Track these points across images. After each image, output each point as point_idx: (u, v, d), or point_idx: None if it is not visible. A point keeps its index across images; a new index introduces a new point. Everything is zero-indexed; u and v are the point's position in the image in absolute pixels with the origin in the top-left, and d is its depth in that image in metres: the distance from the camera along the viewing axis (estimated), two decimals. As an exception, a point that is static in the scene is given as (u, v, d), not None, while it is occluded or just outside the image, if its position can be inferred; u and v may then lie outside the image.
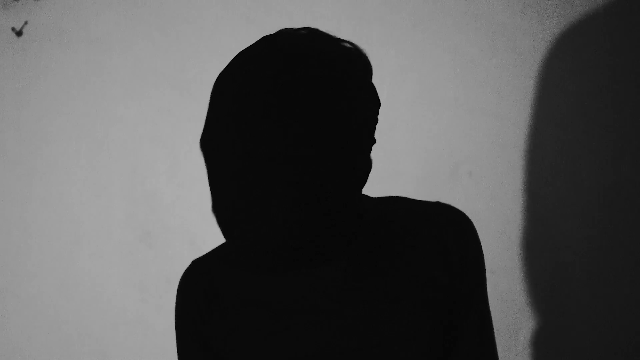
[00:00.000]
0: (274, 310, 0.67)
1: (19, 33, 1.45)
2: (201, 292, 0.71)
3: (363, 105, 0.64)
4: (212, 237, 1.52)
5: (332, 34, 0.68)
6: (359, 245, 0.69)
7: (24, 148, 1.48)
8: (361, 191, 0.66)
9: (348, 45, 0.66)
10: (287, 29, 0.67)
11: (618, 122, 1.37)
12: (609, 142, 1.37)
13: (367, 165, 0.66)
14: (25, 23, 1.46)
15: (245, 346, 0.67)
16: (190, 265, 0.75)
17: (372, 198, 0.76)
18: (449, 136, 1.40)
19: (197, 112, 1.46)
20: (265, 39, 0.67)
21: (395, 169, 1.39)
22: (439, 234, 0.70)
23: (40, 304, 1.48)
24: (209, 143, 0.63)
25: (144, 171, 1.46)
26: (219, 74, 0.67)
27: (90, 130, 1.47)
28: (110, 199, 1.46)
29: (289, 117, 0.57)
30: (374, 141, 0.67)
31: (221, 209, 0.63)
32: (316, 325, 0.66)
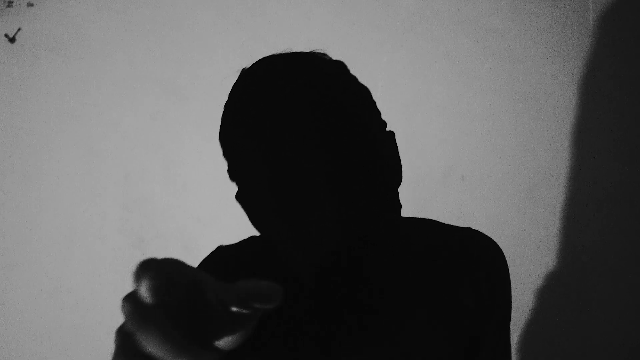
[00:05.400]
0: (288, 320, 0.66)
1: (12, 39, 1.45)
2: (237, 269, 0.69)
3: (366, 98, 0.67)
4: (206, 242, 1.52)
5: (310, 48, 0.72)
6: (385, 265, 0.68)
7: (18, 154, 1.48)
8: (395, 190, 0.68)
9: (322, 53, 0.70)
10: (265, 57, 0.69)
11: (612, 125, 1.38)
12: (603, 145, 1.38)
13: (394, 162, 0.68)
14: (19, 30, 1.46)
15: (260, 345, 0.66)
16: (216, 249, 0.74)
17: (402, 217, 0.75)
18: (442, 140, 1.40)
19: (191, 118, 1.46)
20: (261, 62, 0.67)
21: (389, 174, 1.39)
22: (471, 262, 0.69)
23: (34, 310, 1.47)
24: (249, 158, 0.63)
25: (137, 177, 1.46)
26: (231, 97, 0.66)
27: (84, 136, 1.47)
28: (104, 206, 1.46)
29: (320, 113, 0.60)
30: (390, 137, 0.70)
31: (267, 215, 0.64)
32: (335, 336, 0.65)
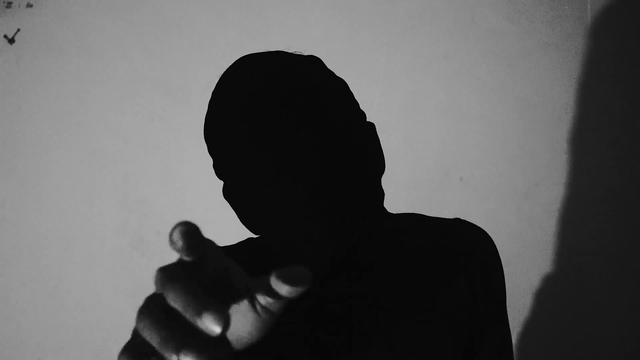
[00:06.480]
0: (286, 325, 0.64)
1: (11, 40, 1.45)
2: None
3: (343, 93, 0.67)
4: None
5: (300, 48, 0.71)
6: (381, 262, 0.67)
7: (17, 155, 1.48)
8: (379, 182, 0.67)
9: (303, 53, 0.70)
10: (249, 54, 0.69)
11: (611, 125, 1.38)
12: (602, 146, 1.38)
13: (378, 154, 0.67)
14: (18, 30, 1.46)
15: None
16: None
17: (389, 213, 0.74)
18: (440, 142, 1.41)
19: (190, 118, 1.46)
20: (242, 60, 0.67)
21: (387, 175, 1.39)
22: (463, 256, 0.69)
23: (33, 310, 1.47)
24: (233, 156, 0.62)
25: (136, 177, 1.46)
26: (215, 98, 0.66)
27: (83, 137, 1.47)
28: (103, 206, 1.46)
29: (309, 110, 0.60)
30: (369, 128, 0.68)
31: (259, 214, 0.63)
32: (335, 340, 0.65)
